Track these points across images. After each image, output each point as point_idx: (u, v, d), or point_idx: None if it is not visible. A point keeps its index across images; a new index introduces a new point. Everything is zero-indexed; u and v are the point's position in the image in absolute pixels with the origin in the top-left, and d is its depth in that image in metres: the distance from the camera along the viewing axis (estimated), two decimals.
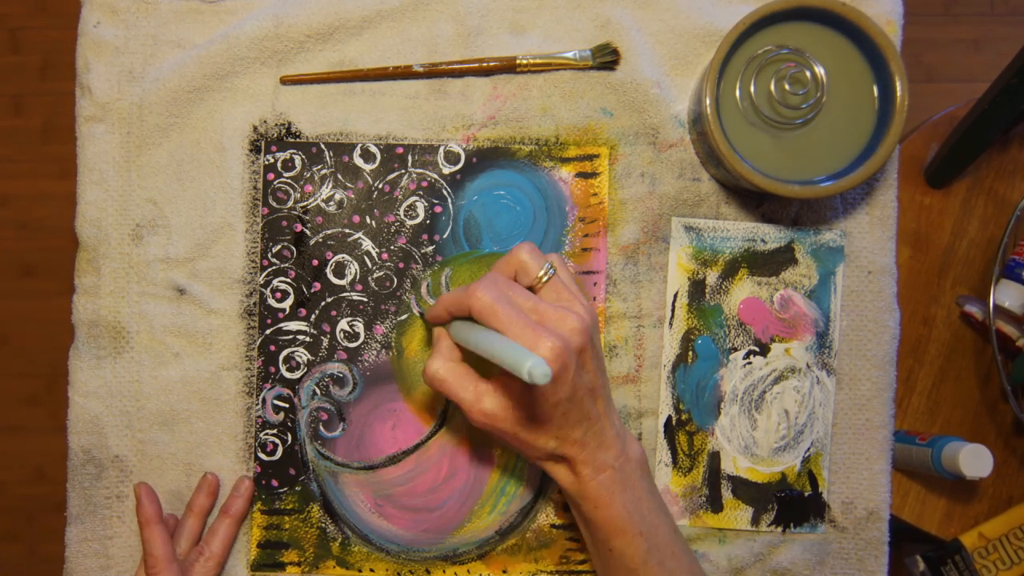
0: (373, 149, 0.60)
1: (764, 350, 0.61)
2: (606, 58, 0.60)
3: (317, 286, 0.60)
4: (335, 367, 0.60)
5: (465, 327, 0.47)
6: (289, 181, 0.60)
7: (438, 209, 0.60)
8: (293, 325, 0.60)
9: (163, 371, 0.60)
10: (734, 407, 0.60)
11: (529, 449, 0.49)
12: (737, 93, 0.56)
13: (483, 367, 0.49)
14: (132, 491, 0.60)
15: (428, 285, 0.60)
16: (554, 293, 0.48)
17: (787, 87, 0.55)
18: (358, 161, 0.60)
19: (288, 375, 0.60)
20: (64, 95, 1.48)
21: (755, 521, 0.60)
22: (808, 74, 0.55)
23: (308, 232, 0.60)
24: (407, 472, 0.60)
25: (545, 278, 0.48)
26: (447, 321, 0.50)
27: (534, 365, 0.39)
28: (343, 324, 0.60)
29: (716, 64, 0.54)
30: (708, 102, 0.54)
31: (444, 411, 0.60)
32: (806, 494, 0.60)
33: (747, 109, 0.56)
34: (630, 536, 0.49)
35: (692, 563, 0.52)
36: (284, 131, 0.61)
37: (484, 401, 0.47)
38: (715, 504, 0.60)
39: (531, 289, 0.49)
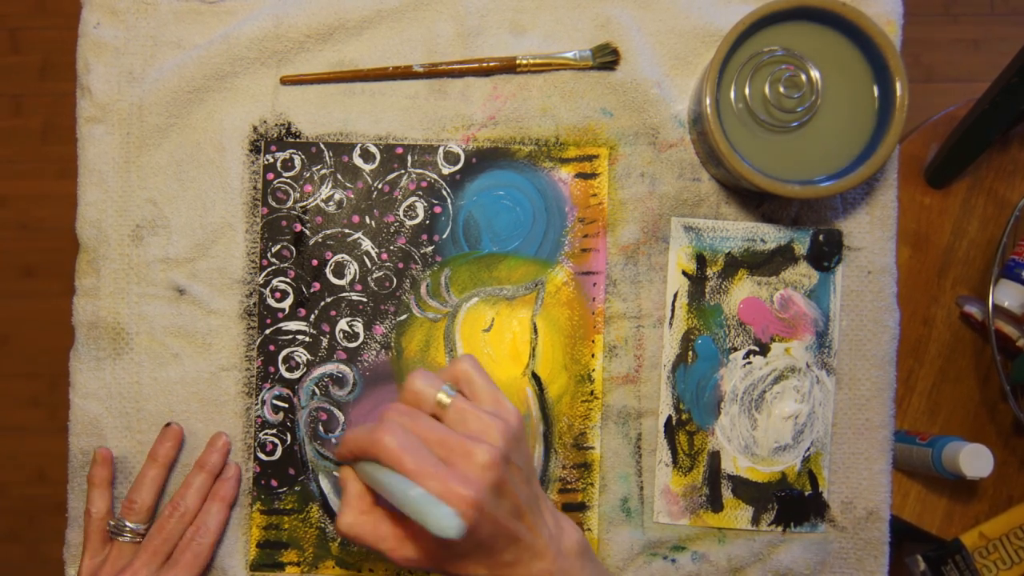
0: (373, 149, 0.61)
1: (764, 350, 0.61)
2: (606, 58, 0.60)
3: (317, 286, 0.60)
4: (335, 367, 0.60)
5: (373, 469, 0.44)
6: (289, 181, 0.60)
7: (438, 209, 0.60)
8: (292, 325, 0.60)
9: (163, 372, 0.60)
10: (734, 407, 0.60)
11: None
12: (735, 94, 0.56)
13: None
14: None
15: (428, 285, 0.60)
16: (460, 419, 0.45)
17: (782, 90, 0.55)
18: (358, 161, 0.60)
19: (287, 375, 0.60)
20: (64, 95, 1.48)
21: (755, 521, 0.60)
22: (804, 77, 0.55)
23: (308, 232, 0.60)
24: None
25: (446, 402, 0.45)
26: (349, 460, 0.47)
27: (444, 519, 0.38)
28: (342, 324, 0.60)
29: (716, 64, 0.54)
30: (708, 102, 0.54)
31: None
32: (806, 494, 0.60)
33: (745, 110, 0.56)
34: None
35: None
36: (284, 131, 0.61)
37: (406, 548, 0.44)
38: (715, 504, 0.60)
39: (436, 417, 0.46)
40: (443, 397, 0.45)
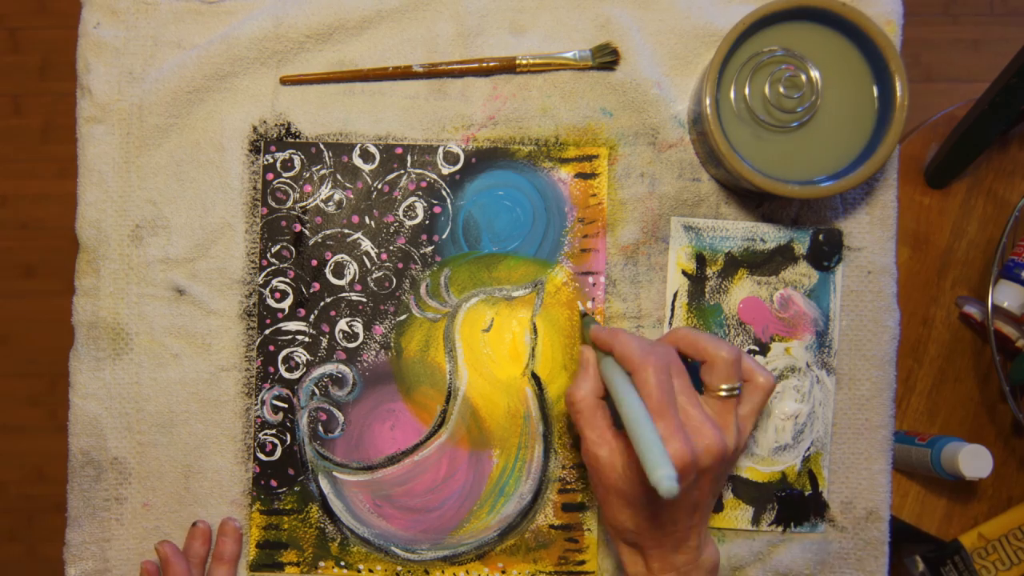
0: (372, 149, 0.61)
1: (764, 349, 0.61)
2: (606, 58, 0.60)
3: (316, 286, 0.60)
4: (334, 367, 0.60)
5: (618, 376, 0.47)
6: (288, 181, 0.60)
7: (437, 209, 0.60)
8: (292, 325, 0.60)
9: (162, 372, 0.60)
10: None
11: (610, 516, 0.49)
12: (735, 94, 0.56)
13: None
14: (131, 495, 0.60)
15: (427, 285, 0.60)
16: (719, 409, 0.48)
17: (782, 90, 0.55)
18: (357, 161, 0.60)
19: (287, 375, 0.60)
20: (64, 95, 1.48)
21: (755, 520, 0.60)
22: (803, 77, 0.55)
23: (307, 232, 0.60)
24: (406, 472, 0.60)
25: (724, 395, 0.48)
26: (605, 353, 0.50)
27: (663, 477, 0.39)
28: (342, 324, 0.60)
29: (716, 64, 0.54)
30: (708, 102, 0.54)
31: (443, 412, 0.60)
32: (806, 494, 0.60)
33: (745, 110, 0.56)
34: None
35: None
36: (284, 131, 0.61)
37: (601, 449, 0.47)
38: (715, 504, 0.60)
39: (703, 387, 0.49)
40: (726, 389, 0.48)
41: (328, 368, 0.60)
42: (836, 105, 0.56)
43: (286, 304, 0.60)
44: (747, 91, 0.55)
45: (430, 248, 0.60)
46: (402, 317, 0.60)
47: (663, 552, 0.48)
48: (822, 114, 0.56)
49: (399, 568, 0.60)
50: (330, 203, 0.60)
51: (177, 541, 0.59)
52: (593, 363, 0.50)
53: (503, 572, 0.60)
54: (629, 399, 0.45)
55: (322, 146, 0.60)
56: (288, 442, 0.60)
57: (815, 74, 0.55)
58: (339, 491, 0.60)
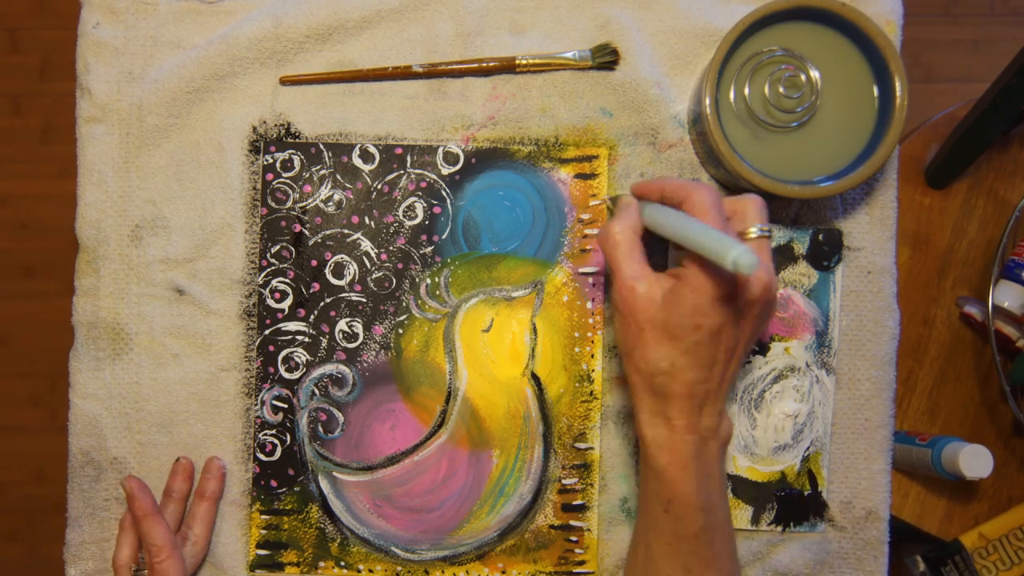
0: (372, 150, 0.60)
1: (763, 349, 0.61)
2: (606, 58, 0.60)
3: (316, 286, 0.60)
4: (334, 367, 0.60)
5: (666, 211, 0.46)
6: (288, 181, 0.60)
7: (437, 210, 0.60)
8: (292, 326, 0.60)
9: (162, 372, 0.60)
10: (733, 406, 0.60)
11: (644, 357, 0.47)
12: (734, 94, 0.55)
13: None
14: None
15: (427, 286, 0.60)
16: (757, 248, 0.47)
17: (781, 90, 0.55)
18: (357, 162, 0.60)
19: (287, 375, 0.60)
20: (64, 95, 1.48)
21: (755, 520, 0.60)
22: (803, 77, 0.55)
23: (307, 232, 0.60)
24: (406, 473, 0.60)
25: (755, 235, 0.47)
26: (652, 199, 0.49)
27: (741, 253, 0.38)
28: (342, 324, 0.60)
29: (716, 64, 0.54)
30: (708, 102, 0.54)
31: (443, 412, 0.60)
32: (806, 493, 0.60)
33: (745, 110, 0.56)
34: (692, 507, 0.47)
35: (734, 553, 0.50)
36: (283, 131, 0.61)
37: (639, 283, 0.46)
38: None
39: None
40: (757, 230, 0.48)
41: (328, 368, 0.60)
42: (836, 105, 0.56)
43: (286, 304, 0.60)
44: (747, 91, 0.55)
45: (430, 248, 0.60)
46: (402, 317, 0.60)
47: (691, 406, 0.46)
48: (822, 114, 0.56)
49: (399, 568, 0.60)
50: (330, 203, 0.60)
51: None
52: (634, 205, 0.49)
53: (503, 572, 0.60)
54: (679, 217, 0.44)
55: (322, 146, 0.60)
56: (288, 442, 0.60)
57: (815, 74, 0.55)
58: (339, 491, 0.60)
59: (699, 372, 0.46)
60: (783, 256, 0.61)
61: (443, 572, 0.60)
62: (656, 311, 0.46)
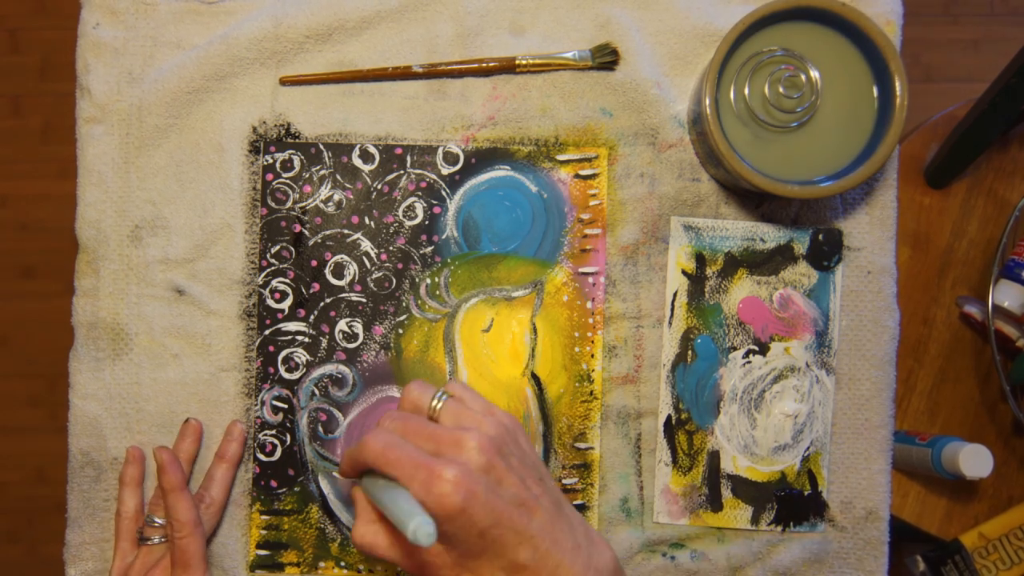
0: (372, 150, 0.60)
1: (763, 349, 0.61)
2: (606, 58, 0.60)
3: (316, 287, 0.60)
4: (334, 368, 0.60)
5: (369, 481, 0.45)
6: (288, 182, 0.60)
7: (437, 210, 0.60)
8: (292, 326, 0.60)
9: (162, 373, 0.60)
10: (733, 406, 0.60)
11: None
12: (734, 94, 0.55)
13: None
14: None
15: (427, 286, 0.60)
16: (452, 416, 0.45)
17: (781, 90, 0.55)
18: (357, 162, 0.60)
19: (287, 376, 0.60)
20: (64, 95, 1.48)
21: (755, 520, 0.60)
22: (803, 78, 0.55)
23: (307, 233, 0.60)
24: None
25: (439, 406, 0.45)
26: (356, 476, 0.47)
27: (418, 526, 0.37)
28: (342, 325, 0.60)
29: (716, 64, 0.54)
30: (708, 102, 0.54)
31: None
32: (806, 493, 0.60)
33: (745, 110, 0.56)
34: None
35: None
36: (283, 132, 0.61)
37: (415, 555, 0.43)
38: (715, 503, 0.60)
39: (432, 420, 0.46)
40: (436, 402, 0.46)
41: (328, 368, 0.60)
42: (836, 105, 0.56)
43: (286, 305, 0.60)
44: (747, 91, 0.55)
45: (430, 248, 0.60)
46: (402, 317, 0.60)
47: None
48: (822, 114, 0.56)
49: (399, 568, 0.60)
50: (330, 203, 0.60)
51: None
52: (359, 497, 0.47)
53: None
54: (375, 488, 0.43)
55: (322, 146, 0.60)
56: (288, 442, 0.60)
57: (815, 74, 0.55)
58: (339, 491, 0.60)
59: (522, 551, 0.42)
60: (783, 256, 0.61)
61: None
62: (448, 556, 0.43)
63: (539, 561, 0.42)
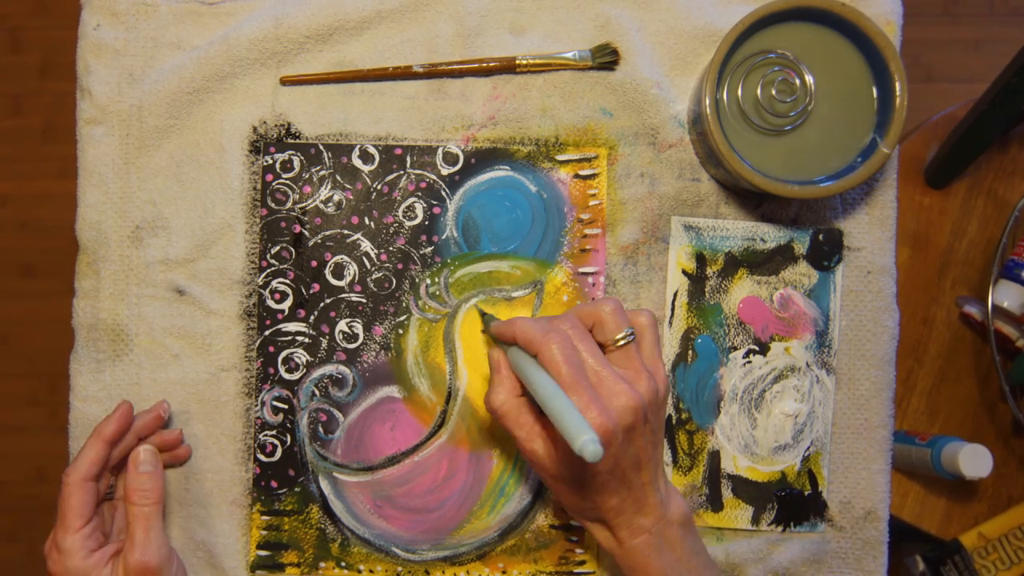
0: (372, 150, 0.61)
1: (764, 349, 0.61)
2: (606, 59, 0.60)
3: (316, 287, 0.60)
4: (334, 368, 0.60)
5: (527, 363, 0.47)
6: (288, 182, 0.60)
7: (437, 210, 0.60)
8: (292, 326, 0.60)
9: (162, 373, 0.60)
10: (734, 406, 0.60)
11: (567, 504, 0.51)
12: (735, 94, 0.56)
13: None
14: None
15: (427, 286, 0.60)
16: (624, 359, 0.49)
17: (774, 93, 0.55)
18: (357, 162, 0.60)
19: (287, 376, 0.60)
20: (64, 95, 1.48)
21: (755, 520, 0.60)
22: (797, 81, 0.55)
23: (307, 233, 0.60)
24: (406, 473, 0.60)
25: (622, 343, 0.49)
26: (509, 344, 0.50)
27: (586, 442, 0.40)
28: (342, 325, 0.60)
29: (716, 64, 0.54)
30: (708, 102, 0.54)
31: (443, 412, 0.60)
32: (806, 493, 0.60)
33: (745, 110, 0.56)
34: None
35: None
36: (284, 132, 0.61)
37: (535, 443, 0.48)
38: (715, 503, 0.60)
39: (603, 346, 0.49)
40: (620, 339, 0.49)
41: (328, 369, 0.60)
42: (836, 105, 0.56)
43: (286, 305, 0.60)
44: (745, 92, 0.55)
45: (430, 249, 0.60)
46: (402, 318, 0.60)
47: (627, 519, 0.49)
48: (822, 114, 0.56)
49: (400, 568, 0.60)
50: (330, 204, 0.60)
51: (176, 540, 0.60)
52: (504, 363, 0.51)
53: (504, 572, 0.60)
54: (540, 380, 0.45)
55: (321, 147, 0.60)
56: (288, 443, 0.60)
57: (809, 78, 0.55)
58: (339, 492, 0.60)
59: (616, 496, 0.49)
60: (783, 256, 0.61)
61: (444, 572, 0.60)
62: (556, 465, 0.48)
63: (624, 506, 0.49)
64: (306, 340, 0.60)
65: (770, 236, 0.61)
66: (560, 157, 0.61)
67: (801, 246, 0.61)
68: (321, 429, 0.60)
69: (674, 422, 0.60)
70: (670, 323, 0.61)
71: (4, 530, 1.47)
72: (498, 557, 0.60)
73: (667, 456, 0.60)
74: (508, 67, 0.60)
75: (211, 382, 0.60)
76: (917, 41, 1.43)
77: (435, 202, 0.60)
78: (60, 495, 0.52)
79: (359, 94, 0.61)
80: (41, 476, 1.47)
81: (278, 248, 0.60)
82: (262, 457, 0.60)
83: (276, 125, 0.61)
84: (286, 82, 0.60)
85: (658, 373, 0.49)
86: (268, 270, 0.60)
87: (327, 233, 0.60)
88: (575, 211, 0.60)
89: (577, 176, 0.61)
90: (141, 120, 0.60)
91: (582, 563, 0.60)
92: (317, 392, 0.60)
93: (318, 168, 0.60)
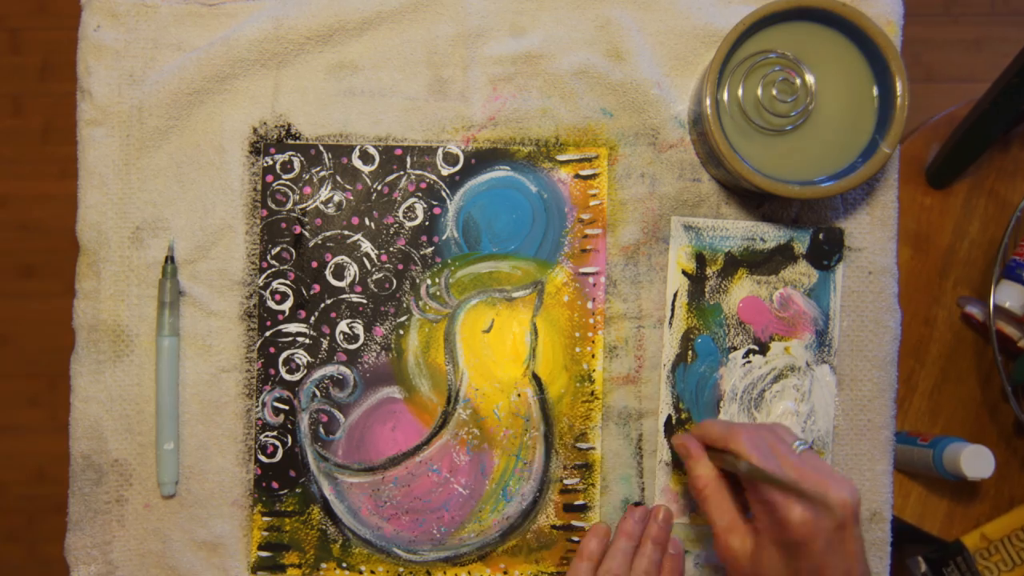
0: (372, 151, 0.60)
1: (763, 349, 0.60)
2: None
3: (316, 288, 0.60)
4: (335, 369, 0.60)
5: (755, 469, 0.47)
6: (288, 183, 0.60)
7: (437, 211, 0.60)
8: (293, 327, 0.60)
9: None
10: (734, 406, 0.60)
11: None
12: (735, 94, 0.55)
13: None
14: (132, 496, 0.60)
15: (427, 287, 0.60)
16: (813, 463, 0.47)
17: (775, 93, 0.55)
18: (357, 163, 0.60)
19: (288, 377, 0.60)
20: (64, 96, 1.48)
21: None
22: (798, 81, 0.55)
23: (307, 234, 0.60)
24: (407, 473, 0.60)
25: (800, 449, 0.48)
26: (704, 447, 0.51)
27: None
28: (342, 326, 0.60)
29: (716, 64, 0.54)
30: (708, 103, 0.54)
31: (444, 412, 0.60)
32: None
33: (745, 110, 0.56)
34: None
35: None
36: (284, 133, 0.60)
37: (732, 536, 0.48)
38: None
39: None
40: (803, 442, 0.49)
41: (329, 370, 0.60)
42: (836, 105, 0.56)
43: (286, 306, 0.60)
44: (745, 92, 0.55)
45: (430, 249, 0.60)
46: (402, 318, 0.60)
47: None
48: (822, 114, 0.56)
49: (401, 569, 0.60)
50: (330, 205, 0.60)
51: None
52: (696, 444, 0.51)
53: (505, 573, 0.60)
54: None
55: (322, 148, 0.60)
56: (289, 444, 0.60)
57: (809, 78, 0.55)
58: (340, 492, 0.60)
59: None
60: (783, 256, 0.61)
61: (445, 573, 0.60)
62: (750, 567, 0.47)
63: None
64: (307, 341, 0.60)
65: (770, 236, 0.61)
66: (560, 157, 0.60)
67: (801, 245, 0.61)
68: (322, 430, 0.60)
69: (674, 422, 0.60)
70: (670, 323, 0.60)
71: (4, 530, 1.47)
72: (499, 558, 0.60)
73: (667, 456, 0.60)
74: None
75: (212, 383, 0.60)
76: (918, 41, 1.43)
77: (435, 202, 0.60)
78: None
79: (359, 95, 0.61)
80: (41, 476, 1.47)
81: (278, 249, 0.60)
82: (263, 458, 0.60)
83: (276, 126, 0.60)
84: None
85: (850, 481, 0.47)
86: (268, 271, 0.60)
87: (327, 234, 0.60)
88: (575, 211, 0.60)
89: (577, 176, 0.60)
90: (141, 121, 0.60)
91: None
92: (318, 393, 0.60)
93: (318, 169, 0.60)
